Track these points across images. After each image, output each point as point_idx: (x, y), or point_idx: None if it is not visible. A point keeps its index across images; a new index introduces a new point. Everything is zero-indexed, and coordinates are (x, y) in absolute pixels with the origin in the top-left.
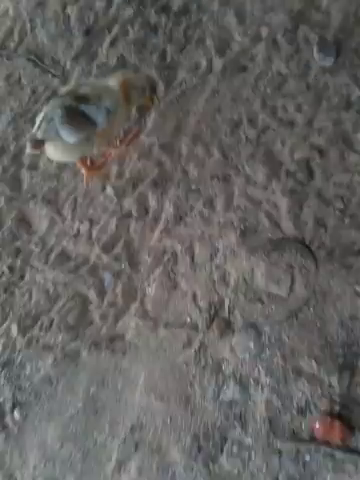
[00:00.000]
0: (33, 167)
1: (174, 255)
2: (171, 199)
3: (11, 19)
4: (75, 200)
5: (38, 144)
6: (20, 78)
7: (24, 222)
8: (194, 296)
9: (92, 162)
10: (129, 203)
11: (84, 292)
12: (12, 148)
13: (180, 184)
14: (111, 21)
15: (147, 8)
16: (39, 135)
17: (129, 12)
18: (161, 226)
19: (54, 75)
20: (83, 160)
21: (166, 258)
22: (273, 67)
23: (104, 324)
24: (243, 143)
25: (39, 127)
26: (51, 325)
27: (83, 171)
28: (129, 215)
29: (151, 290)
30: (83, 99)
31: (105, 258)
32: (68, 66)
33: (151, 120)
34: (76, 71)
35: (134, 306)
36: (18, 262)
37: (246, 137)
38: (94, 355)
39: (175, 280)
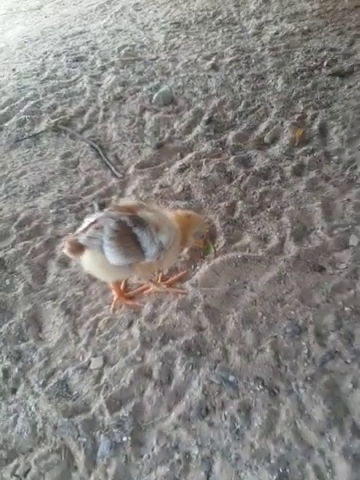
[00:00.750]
0: (63, 263)
1: (187, 459)
2: (201, 380)
3: (85, 100)
4: (96, 323)
5: (77, 249)
6: (78, 162)
7: (35, 323)
8: None
9: (126, 287)
10: (152, 358)
11: (73, 449)
12: (48, 231)
13: (216, 366)
14: (186, 147)
15: (226, 152)
16: (82, 240)
17: (207, 147)
18: (181, 410)
19: (115, 174)
20: (117, 283)
21: (176, 458)
22: (357, 285)
23: None
24: (303, 357)
25: (85, 230)
26: (25, 475)
27: (114, 294)
28: (149, 374)
29: None
30: (140, 223)
31: (108, 416)
32: (131, 171)
33: (202, 271)
34: (137, 180)
35: None
36: (15, 369)
37: (307, 356)
38: None
39: None
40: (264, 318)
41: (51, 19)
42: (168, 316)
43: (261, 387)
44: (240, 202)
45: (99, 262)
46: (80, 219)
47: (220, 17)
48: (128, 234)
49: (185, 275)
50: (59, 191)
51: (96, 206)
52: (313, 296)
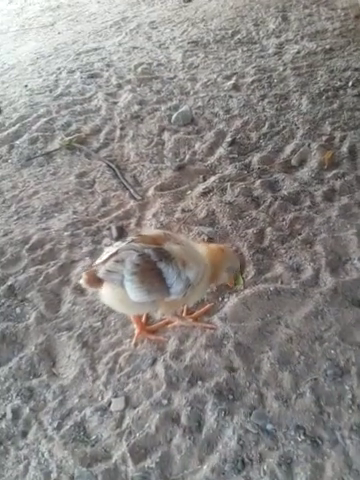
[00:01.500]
0: (79, 291)
1: None
2: (235, 429)
3: (101, 118)
4: (116, 359)
5: (95, 282)
6: (94, 182)
7: (49, 356)
8: None
9: (148, 320)
10: (180, 402)
11: None
12: (63, 256)
13: (252, 413)
14: (208, 170)
15: (251, 175)
16: (100, 273)
17: (231, 170)
18: (214, 462)
19: (133, 196)
20: (138, 316)
21: None
22: None
23: None
24: (348, 403)
25: (105, 262)
26: None
27: (135, 327)
28: (177, 420)
29: None
30: (166, 256)
31: (131, 467)
32: (150, 193)
33: (231, 304)
34: (158, 203)
35: None
36: (26, 409)
37: (351, 402)
38: None
39: None
40: (302, 358)
41: (64, 35)
42: (196, 354)
43: (303, 437)
44: (269, 229)
45: (119, 297)
46: (96, 243)
47: (239, 36)
48: (152, 269)
49: (212, 308)
50: (74, 212)
51: (114, 229)
52: (354, 334)
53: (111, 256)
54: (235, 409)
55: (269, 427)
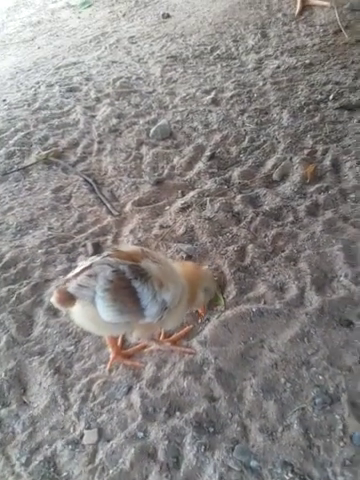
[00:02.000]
0: (53, 312)
1: None
2: (216, 466)
3: (79, 132)
4: (89, 386)
5: (67, 300)
6: (70, 197)
7: (19, 383)
8: None
9: (123, 343)
10: (157, 435)
11: None
12: (36, 274)
13: (234, 448)
14: (187, 184)
15: (232, 190)
16: (72, 289)
17: (211, 185)
18: None
19: (111, 212)
20: (114, 338)
21: None
22: None
23: None
24: (338, 434)
25: (77, 276)
26: None
27: (110, 351)
28: (153, 455)
29: None
30: (141, 275)
31: None
32: (128, 208)
33: (212, 326)
34: (136, 219)
35: None
36: None
37: (343, 433)
38: None
39: None
40: (288, 385)
41: (44, 50)
42: (174, 381)
43: (290, 475)
44: (251, 246)
45: (90, 316)
46: (71, 260)
47: (218, 52)
48: (126, 287)
49: (191, 330)
50: (49, 229)
51: (90, 246)
52: (342, 357)
53: (84, 270)
54: (216, 443)
55: (253, 464)
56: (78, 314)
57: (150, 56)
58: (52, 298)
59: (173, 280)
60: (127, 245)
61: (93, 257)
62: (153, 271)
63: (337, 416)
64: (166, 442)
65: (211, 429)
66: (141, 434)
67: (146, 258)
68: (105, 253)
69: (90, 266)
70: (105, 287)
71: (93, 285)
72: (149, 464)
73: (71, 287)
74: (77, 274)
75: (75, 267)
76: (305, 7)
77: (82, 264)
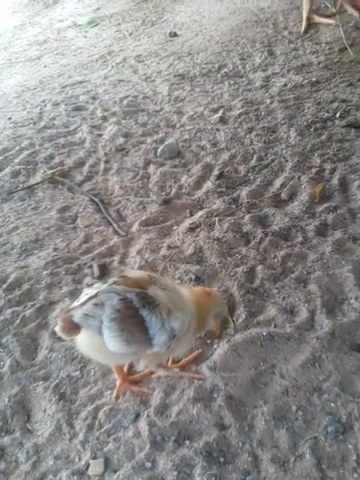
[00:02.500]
0: (58, 336)
1: None
2: None
3: (85, 151)
4: (95, 414)
5: (72, 328)
6: (76, 217)
7: (23, 410)
8: None
9: (130, 369)
10: (166, 465)
11: None
12: (41, 296)
13: (246, 479)
14: (195, 204)
15: (240, 210)
16: (77, 318)
17: (219, 205)
18: None
19: (117, 232)
20: (120, 366)
21: None
22: None
23: None
24: (352, 465)
25: (83, 305)
26: None
27: (117, 378)
28: None
29: None
30: (149, 303)
31: None
32: (135, 228)
33: (221, 351)
34: (143, 239)
35: None
36: None
37: (356, 464)
38: None
39: None
40: (299, 413)
41: (50, 69)
42: (183, 409)
43: None
44: (260, 267)
45: (96, 346)
46: (77, 282)
47: (225, 70)
48: (133, 316)
49: (200, 355)
50: (54, 249)
51: (96, 268)
52: (355, 383)
53: (90, 298)
54: (227, 474)
55: None
56: (83, 343)
57: (157, 75)
58: (56, 327)
59: (182, 307)
60: (133, 271)
61: (99, 284)
62: (161, 298)
63: (350, 446)
64: (175, 473)
65: (222, 459)
66: (149, 464)
67: (154, 285)
68: (111, 280)
69: (96, 295)
70: (112, 316)
71: (100, 314)
72: None
73: (77, 316)
74: (83, 303)
75: (80, 289)
76: (310, 25)
77: (87, 292)
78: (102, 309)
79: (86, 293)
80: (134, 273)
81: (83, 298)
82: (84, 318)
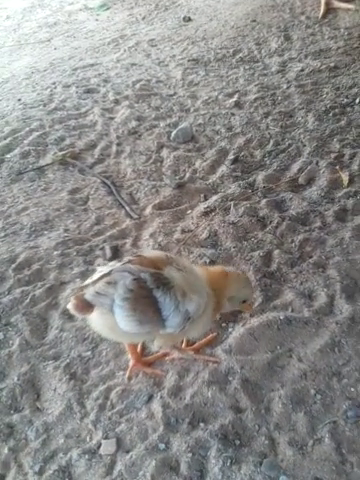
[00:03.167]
0: (68, 315)
1: None
2: None
3: (96, 134)
4: (107, 394)
5: (85, 308)
6: (88, 199)
7: (32, 388)
8: None
9: (143, 350)
10: (180, 447)
11: None
12: (51, 277)
13: (262, 462)
14: (210, 188)
15: (256, 194)
16: (89, 296)
17: (234, 189)
18: None
19: (130, 215)
20: (133, 345)
21: None
22: None
23: None
24: None
25: (95, 283)
26: None
27: (130, 358)
28: (175, 468)
29: None
30: (164, 284)
31: None
32: (148, 212)
33: (237, 334)
34: (156, 222)
35: None
36: (5, 449)
37: None
38: None
39: None
40: (318, 397)
41: (61, 51)
42: (197, 391)
43: None
44: (277, 251)
45: (109, 324)
46: (88, 263)
47: (241, 55)
48: (146, 297)
49: (215, 338)
50: (65, 230)
51: (108, 249)
52: None
53: (103, 276)
54: (243, 457)
55: (283, 479)
56: (96, 321)
57: (171, 59)
58: (69, 305)
59: (198, 289)
60: (150, 250)
61: (113, 263)
62: (176, 280)
63: None
64: (190, 455)
65: (237, 442)
66: (163, 446)
67: (170, 265)
68: (126, 259)
69: (109, 273)
70: (125, 296)
71: (112, 293)
72: (171, 478)
73: (88, 294)
74: (95, 281)
75: (93, 270)
76: (329, 10)
77: (101, 270)
78: (115, 288)
79: (100, 271)
80: (150, 252)
81: (96, 276)
82: (96, 296)
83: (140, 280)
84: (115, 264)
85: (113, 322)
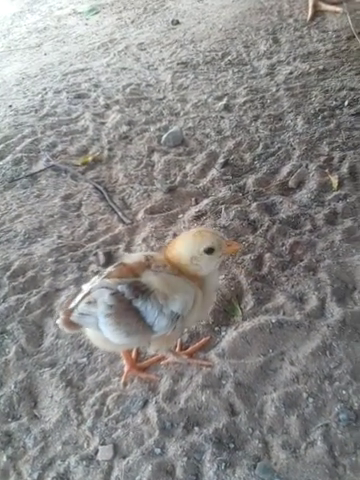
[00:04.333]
0: None
1: None
2: None
3: (88, 139)
4: (103, 400)
5: (72, 325)
6: (80, 205)
7: (29, 396)
8: None
9: (138, 356)
10: (175, 451)
11: None
12: (46, 284)
13: (256, 466)
14: (201, 192)
15: (247, 198)
16: (74, 318)
17: (225, 192)
18: None
19: (122, 220)
20: (128, 351)
21: None
22: None
23: None
24: None
25: (78, 305)
26: None
27: (124, 365)
28: (171, 473)
29: None
30: (142, 291)
31: None
32: (140, 216)
33: (230, 338)
34: (148, 227)
35: None
36: (3, 457)
37: None
38: None
39: None
40: (310, 400)
41: (51, 56)
42: (191, 395)
43: None
44: (268, 255)
45: (101, 338)
46: (82, 269)
47: (229, 58)
48: (127, 309)
49: (208, 342)
50: (59, 237)
51: (101, 255)
52: None
53: (83, 298)
54: (237, 460)
55: None
56: (90, 336)
57: (160, 63)
58: (58, 321)
59: (180, 288)
60: (130, 255)
61: (94, 279)
62: (155, 284)
63: None
64: (185, 459)
65: (231, 445)
66: (158, 450)
67: (148, 269)
68: (107, 271)
69: (89, 292)
70: (106, 312)
71: (94, 312)
72: None
73: (73, 316)
74: (77, 304)
75: (86, 277)
76: (317, 13)
77: (81, 292)
78: (95, 306)
79: (83, 290)
80: (131, 257)
81: (77, 298)
82: (80, 317)
83: (118, 294)
84: (94, 281)
85: (104, 337)
